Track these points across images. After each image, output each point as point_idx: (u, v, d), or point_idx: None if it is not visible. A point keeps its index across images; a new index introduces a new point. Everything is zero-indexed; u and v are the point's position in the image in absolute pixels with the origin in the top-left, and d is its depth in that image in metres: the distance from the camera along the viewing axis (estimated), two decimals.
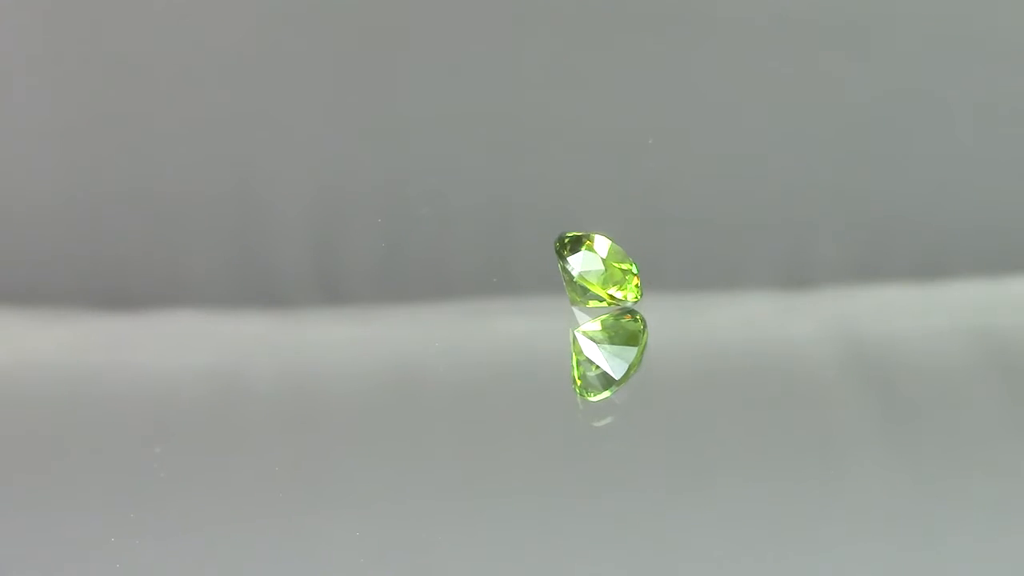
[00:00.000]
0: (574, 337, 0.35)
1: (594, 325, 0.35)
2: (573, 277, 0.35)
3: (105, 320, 0.37)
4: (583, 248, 0.35)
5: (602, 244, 0.35)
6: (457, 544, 0.32)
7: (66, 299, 0.38)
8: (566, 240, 0.35)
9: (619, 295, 0.35)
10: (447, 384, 0.35)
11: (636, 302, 0.35)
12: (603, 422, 0.34)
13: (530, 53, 0.43)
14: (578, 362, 0.34)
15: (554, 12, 0.43)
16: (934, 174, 0.41)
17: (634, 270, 0.35)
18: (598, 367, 0.34)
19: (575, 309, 0.35)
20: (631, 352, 0.34)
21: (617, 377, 0.34)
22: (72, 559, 0.32)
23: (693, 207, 0.40)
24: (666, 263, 0.39)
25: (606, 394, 0.34)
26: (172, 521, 0.32)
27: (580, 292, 0.35)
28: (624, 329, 0.35)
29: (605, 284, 0.35)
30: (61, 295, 0.38)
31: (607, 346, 0.34)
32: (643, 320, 0.35)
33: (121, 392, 0.35)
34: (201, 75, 0.42)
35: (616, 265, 0.35)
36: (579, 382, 0.34)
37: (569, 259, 0.35)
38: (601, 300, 0.35)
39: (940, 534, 0.32)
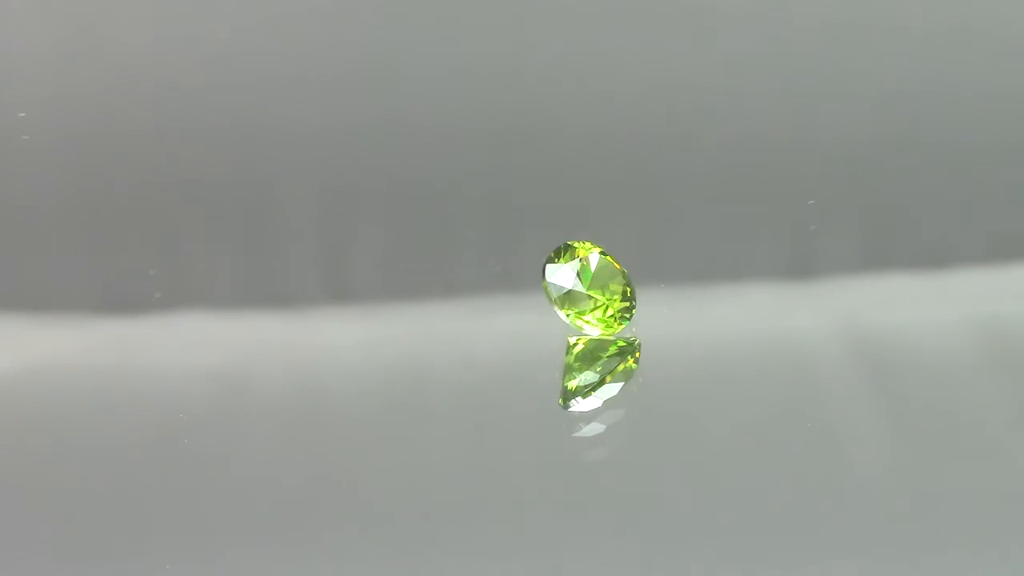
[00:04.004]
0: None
1: (588, 335, 0.35)
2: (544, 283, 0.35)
3: (113, 323, 0.37)
4: (568, 261, 0.35)
5: (592, 265, 0.35)
6: (463, 542, 0.32)
7: (74, 303, 0.38)
8: (562, 248, 0.35)
9: (581, 321, 0.35)
10: (455, 382, 0.35)
11: (611, 333, 0.35)
12: (581, 431, 0.34)
13: (534, 50, 0.43)
14: (564, 367, 0.34)
15: (554, 7, 0.43)
16: (938, 163, 0.41)
17: (613, 304, 0.35)
18: (572, 377, 0.34)
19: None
20: (593, 374, 0.34)
21: (576, 394, 0.34)
22: (79, 562, 0.32)
23: (696, 198, 0.40)
24: (669, 254, 0.39)
25: (576, 404, 0.34)
26: (180, 523, 0.32)
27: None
28: (608, 347, 0.35)
29: (568, 306, 0.35)
30: (68, 299, 0.38)
31: (579, 360, 0.34)
32: (630, 344, 0.35)
33: (130, 395, 0.35)
34: (207, 77, 0.42)
35: (589, 292, 0.35)
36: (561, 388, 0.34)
37: (548, 266, 0.35)
38: (566, 317, 0.35)
39: (944, 526, 0.32)
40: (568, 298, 0.35)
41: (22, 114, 0.42)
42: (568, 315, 0.35)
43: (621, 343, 0.35)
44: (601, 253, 0.35)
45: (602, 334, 0.35)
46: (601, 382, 0.34)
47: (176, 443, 0.34)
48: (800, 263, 0.38)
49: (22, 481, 0.33)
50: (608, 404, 0.34)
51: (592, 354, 0.34)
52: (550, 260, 0.35)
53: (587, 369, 0.34)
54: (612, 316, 0.35)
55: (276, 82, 0.42)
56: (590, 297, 0.34)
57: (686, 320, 0.37)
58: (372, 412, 0.35)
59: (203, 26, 0.43)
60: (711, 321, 0.37)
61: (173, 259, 0.39)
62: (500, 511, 0.32)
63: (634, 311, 0.35)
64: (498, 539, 0.32)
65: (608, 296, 0.35)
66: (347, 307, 0.38)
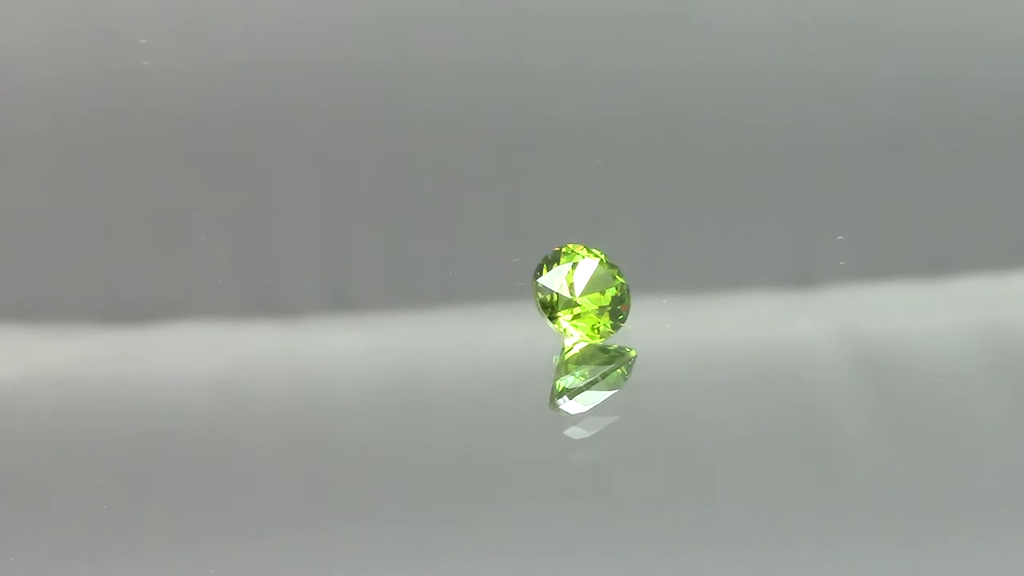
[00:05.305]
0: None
1: (575, 341, 0.35)
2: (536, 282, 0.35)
3: (112, 333, 0.37)
4: (559, 266, 0.34)
5: (584, 271, 0.34)
6: (464, 549, 0.32)
7: (72, 313, 0.38)
8: (555, 253, 0.35)
9: (569, 326, 0.35)
10: (455, 391, 0.35)
11: (593, 342, 0.35)
12: (566, 431, 0.34)
13: (535, 55, 0.43)
14: (556, 368, 0.34)
15: (555, 13, 0.43)
16: (939, 169, 0.41)
17: (603, 314, 0.34)
18: (561, 378, 0.34)
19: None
20: (582, 378, 0.34)
21: (563, 395, 0.34)
22: (78, 571, 0.32)
23: (696, 203, 0.40)
24: (670, 261, 0.39)
25: (562, 404, 0.34)
26: (180, 533, 0.32)
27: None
28: (602, 354, 0.35)
29: (556, 312, 0.35)
30: (67, 309, 0.38)
31: (571, 363, 0.34)
32: (624, 353, 0.35)
33: (129, 405, 0.35)
34: (205, 84, 0.42)
35: (578, 299, 0.34)
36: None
37: (539, 270, 0.35)
38: (551, 323, 0.35)
39: (945, 532, 0.32)
40: (557, 303, 0.34)
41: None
42: (555, 321, 0.35)
43: (616, 351, 0.35)
44: (601, 261, 0.34)
45: (584, 340, 0.35)
46: (588, 386, 0.34)
47: (176, 452, 0.34)
48: (801, 270, 0.38)
49: (21, 491, 0.33)
50: (596, 410, 0.34)
51: (585, 358, 0.34)
52: (542, 264, 0.35)
53: (576, 372, 0.34)
54: (600, 324, 0.34)
55: (275, 86, 0.42)
56: (578, 304, 0.34)
57: (685, 327, 0.37)
58: (372, 420, 0.35)
59: (202, 33, 0.43)
60: (711, 328, 0.37)
61: (172, 268, 0.39)
62: (500, 516, 0.32)
63: (623, 320, 0.35)
64: (498, 544, 0.32)
65: (597, 304, 0.34)
66: (347, 315, 0.38)
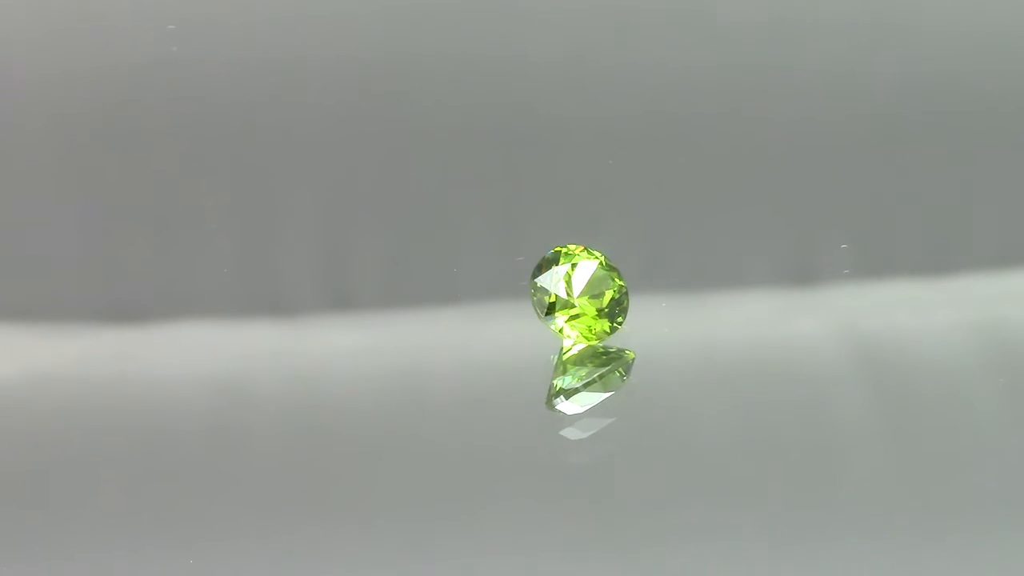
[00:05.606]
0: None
1: (573, 342, 0.35)
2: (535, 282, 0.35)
3: (112, 333, 0.37)
4: (558, 267, 0.34)
5: (582, 272, 0.34)
6: (465, 549, 0.32)
7: (72, 313, 0.38)
8: (554, 253, 0.35)
9: (564, 326, 0.34)
10: (456, 390, 0.35)
11: (595, 342, 0.35)
12: (566, 431, 0.34)
13: (536, 54, 0.43)
14: (553, 368, 0.34)
15: (554, 12, 0.43)
16: (939, 169, 0.41)
17: (600, 315, 0.34)
18: (559, 378, 0.34)
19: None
20: (579, 378, 0.34)
21: (559, 395, 0.34)
22: (78, 571, 0.32)
23: (696, 203, 0.40)
24: (669, 260, 0.39)
25: (559, 404, 0.34)
26: (180, 532, 0.32)
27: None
28: (601, 355, 0.35)
29: (553, 313, 0.34)
30: (67, 309, 0.38)
31: (569, 363, 0.34)
32: (622, 355, 0.35)
33: (129, 404, 0.35)
34: (206, 82, 0.42)
35: (576, 300, 0.34)
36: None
37: (536, 270, 0.34)
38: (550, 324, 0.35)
39: (944, 532, 0.32)
40: (555, 304, 0.34)
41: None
42: (552, 322, 0.35)
43: (614, 352, 0.35)
44: (600, 263, 0.34)
45: (580, 342, 0.35)
46: (585, 387, 0.34)
47: (176, 450, 0.34)
48: (801, 269, 0.38)
49: (22, 490, 0.33)
50: (592, 411, 0.34)
51: (583, 359, 0.34)
52: (541, 264, 0.35)
53: (573, 372, 0.34)
54: (598, 326, 0.34)
55: (275, 85, 0.42)
56: (575, 305, 0.34)
57: (685, 326, 0.37)
58: (371, 419, 0.35)
59: (204, 31, 0.43)
60: (711, 328, 0.37)
61: (171, 267, 0.39)
62: (498, 515, 0.32)
63: (622, 323, 0.34)
64: (496, 543, 0.32)
65: (595, 306, 0.34)
66: (347, 315, 0.38)
